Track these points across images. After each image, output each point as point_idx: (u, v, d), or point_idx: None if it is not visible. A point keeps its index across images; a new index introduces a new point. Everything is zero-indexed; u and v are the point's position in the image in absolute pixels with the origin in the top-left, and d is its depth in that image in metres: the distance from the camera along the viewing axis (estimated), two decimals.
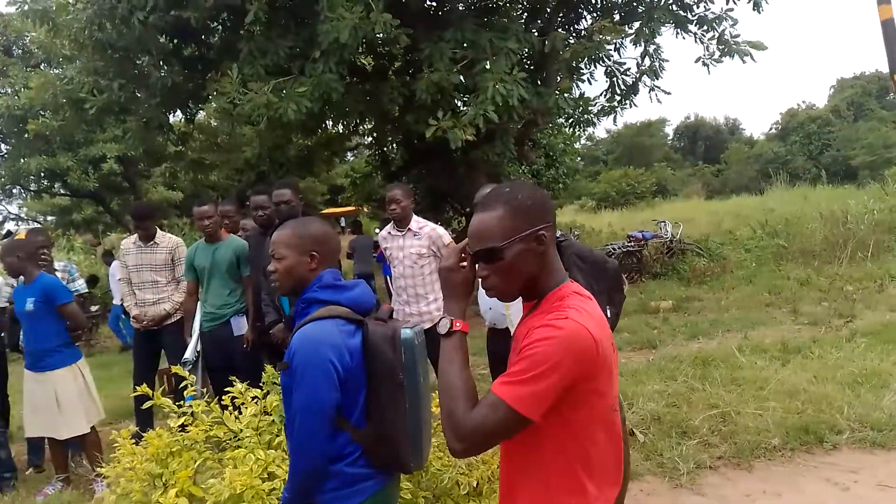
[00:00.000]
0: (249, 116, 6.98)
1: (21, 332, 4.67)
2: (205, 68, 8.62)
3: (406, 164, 12.63)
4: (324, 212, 28.48)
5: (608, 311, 3.58)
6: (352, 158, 23.59)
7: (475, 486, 3.34)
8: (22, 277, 4.55)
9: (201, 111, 11.63)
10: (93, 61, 8.20)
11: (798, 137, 38.25)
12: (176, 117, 10.91)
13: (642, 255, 12.23)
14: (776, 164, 34.76)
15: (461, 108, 7.51)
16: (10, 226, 23.35)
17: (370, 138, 13.68)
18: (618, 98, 9.28)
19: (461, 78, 6.94)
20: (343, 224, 30.48)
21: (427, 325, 4.53)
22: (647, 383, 5.72)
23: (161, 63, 8.41)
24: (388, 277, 8.84)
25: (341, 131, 11.84)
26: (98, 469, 4.13)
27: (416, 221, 4.71)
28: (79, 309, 4.77)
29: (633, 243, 12.33)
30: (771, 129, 46.64)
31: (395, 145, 13.13)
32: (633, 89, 9.15)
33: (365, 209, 21.22)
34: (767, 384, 5.33)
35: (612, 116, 9.69)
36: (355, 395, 2.03)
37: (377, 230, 19.00)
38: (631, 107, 9.49)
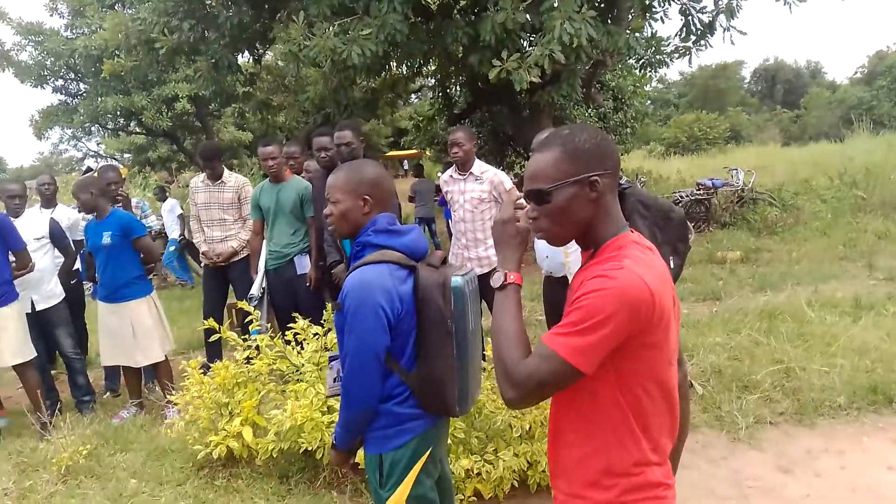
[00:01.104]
0: (315, 59, 6.97)
1: (96, 265, 4.90)
2: (272, 8, 8.61)
3: (469, 107, 12.44)
4: (387, 155, 28.60)
5: (671, 262, 3.48)
6: (416, 101, 23.43)
7: (528, 429, 3.38)
8: (95, 213, 4.75)
9: (268, 52, 11.69)
10: (163, 1, 8.30)
11: (886, 82, 35.67)
12: (244, 58, 11.01)
13: (711, 204, 11.81)
14: (860, 109, 32.54)
15: (527, 49, 7.28)
16: (89, 162, 24.41)
17: (434, 80, 13.51)
18: (692, 38, 8.80)
19: (527, 17, 6.70)
20: (406, 167, 30.53)
21: (485, 270, 4.54)
22: (710, 335, 5.60)
23: (229, 2, 8.44)
24: (450, 221, 8.88)
25: (405, 73, 11.71)
26: (169, 396, 4.39)
27: (479, 165, 4.66)
28: (151, 243, 4.98)
29: (702, 191, 11.90)
30: (856, 72, 43.83)
31: (458, 87, 12.92)
32: (708, 29, 8.66)
33: (428, 153, 21.15)
34: (836, 341, 5.14)
35: (685, 57, 9.23)
36: (405, 338, 2.06)
37: (439, 174, 18.98)
38: (706, 48, 9.00)
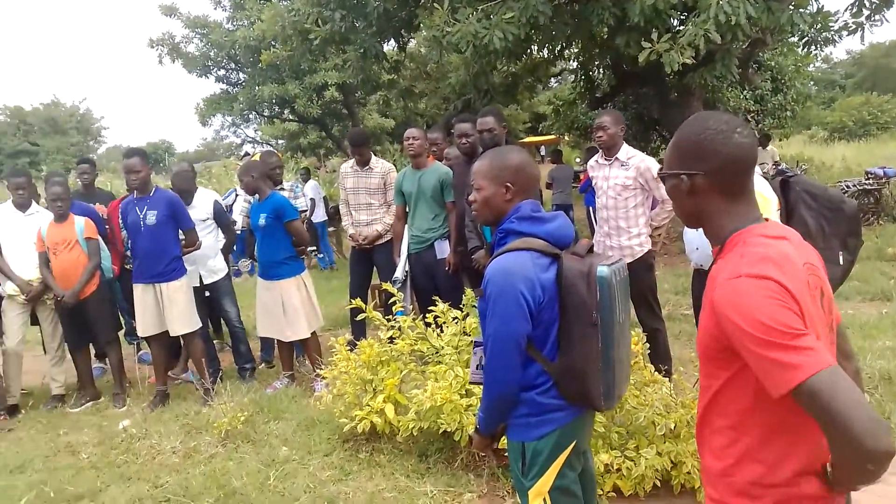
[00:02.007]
0: (457, 45, 7.02)
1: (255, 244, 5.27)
2: None
3: (613, 90, 12.04)
4: (524, 140, 28.41)
5: (841, 258, 3.19)
6: (555, 85, 23.04)
7: (672, 428, 3.24)
8: (257, 195, 5.09)
9: (412, 40, 11.93)
10: None
11: None
12: (389, 46, 11.32)
13: (882, 195, 10.70)
14: None
15: (677, 28, 6.91)
16: (247, 147, 26.26)
17: (576, 63, 13.20)
18: (865, 13, 7.93)
19: None
20: (543, 153, 30.17)
21: (629, 261, 4.39)
22: (878, 338, 5.09)
23: None
24: (591, 209, 8.67)
25: (546, 57, 11.53)
26: (318, 370, 4.64)
27: (626, 151, 4.50)
28: (303, 226, 5.27)
29: (871, 181, 10.80)
30: None
31: (602, 70, 12.54)
32: (886, 2, 7.77)
33: (566, 138, 20.76)
34: None
35: (856, 34, 8.34)
36: (548, 328, 2.02)
37: (577, 160, 18.60)
38: (881, 23, 8.07)
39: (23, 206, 5.26)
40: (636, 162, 4.40)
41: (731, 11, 5.89)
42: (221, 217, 5.68)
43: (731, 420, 1.48)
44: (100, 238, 5.23)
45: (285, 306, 5.04)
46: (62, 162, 30.50)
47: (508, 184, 2.13)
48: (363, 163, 5.59)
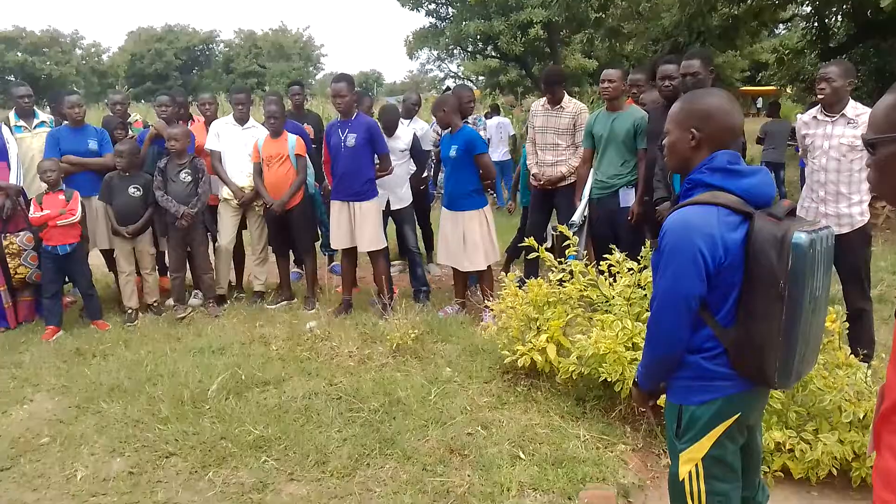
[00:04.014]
0: None
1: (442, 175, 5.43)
2: None
3: (850, 41, 10.61)
4: (740, 90, 26.08)
5: None
6: (782, 32, 20.74)
7: (861, 417, 2.92)
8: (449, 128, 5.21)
9: None
10: None
11: None
12: None
13: None
14: None
15: None
16: (449, 82, 26.85)
17: (809, 8, 11.77)
18: None
19: None
20: (759, 105, 27.54)
21: (844, 230, 3.93)
22: None
23: None
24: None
25: (776, 0, 10.41)
26: (487, 302, 4.75)
27: (854, 107, 3.96)
28: (490, 161, 5.31)
29: None
30: None
31: (839, 17, 11.06)
32: None
33: (788, 90, 18.73)
34: None
35: None
36: (726, 292, 1.87)
37: (798, 115, 16.72)
38: None
39: (241, 120, 5.82)
40: (867, 119, 3.85)
41: None
42: (417, 150, 5.94)
43: None
44: (307, 156, 5.67)
45: (465, 238, 5.17)
46: (283, 85, 33.29)
47: (694, 129, 1.96)
48: (555, 102, 5.47)
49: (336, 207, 5.39)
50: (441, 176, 6.43)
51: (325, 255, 6.81)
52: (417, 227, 6.34)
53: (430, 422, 3.57)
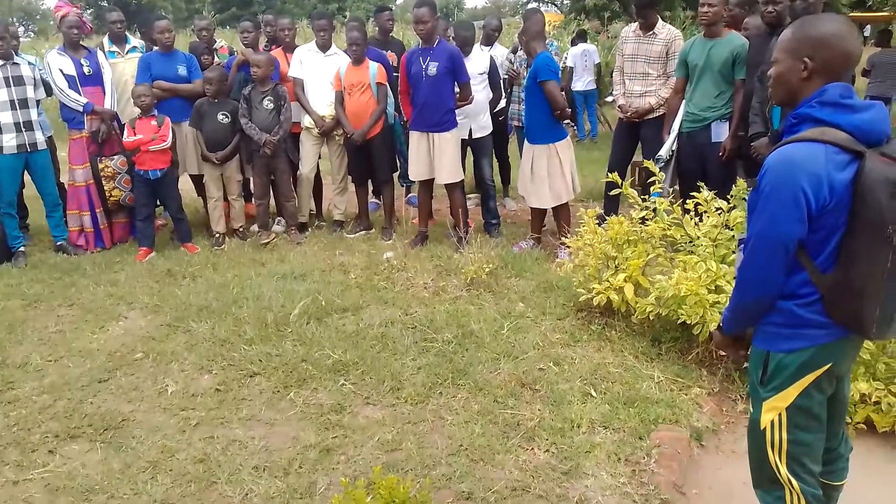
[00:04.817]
0: None
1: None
2: None
3: None
4: (849, 16, 23.96)
5: None
6: None
7: None
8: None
9: None
10: None
11: None
12: None
13: None
14: None
15: None
16: (532, 6, 25.84)
17: None
18: None
19: None
20: (867, 34, 25.25)
21: None
22: None
23: None
24: None
25: None
26: (563, 239, 4.67)
27: None
28: (556, 88, 4.99)
29: None
30: None
31: None
32: None
33: None
34: None
35: None
36: (828, 235, 1.75)
37: None
38: None
39: (324, 46, 5.78)
40: None
41: None
42: (494, 76, 5.77)
43: None
44: (388, 84, 5.61)
45: (534, 172, 5.06)
46: (364, 10, 32.89)
47: (807, 59, 1.79)
48: (647, 27, 5.17)
49: (415, 138, 5.35)
50: (513, 107, 6.27)
51: (402, 185, 6.83)
52: (494, 158, 6.24)
53: (502, 355, 3.60)
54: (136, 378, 3.54)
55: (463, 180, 5.50)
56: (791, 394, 1.89)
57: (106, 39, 5.90)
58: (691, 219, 3.70)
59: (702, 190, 3.75)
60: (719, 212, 3.62)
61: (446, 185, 5.40)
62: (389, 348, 3.74)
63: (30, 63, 5.45)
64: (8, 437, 3.04)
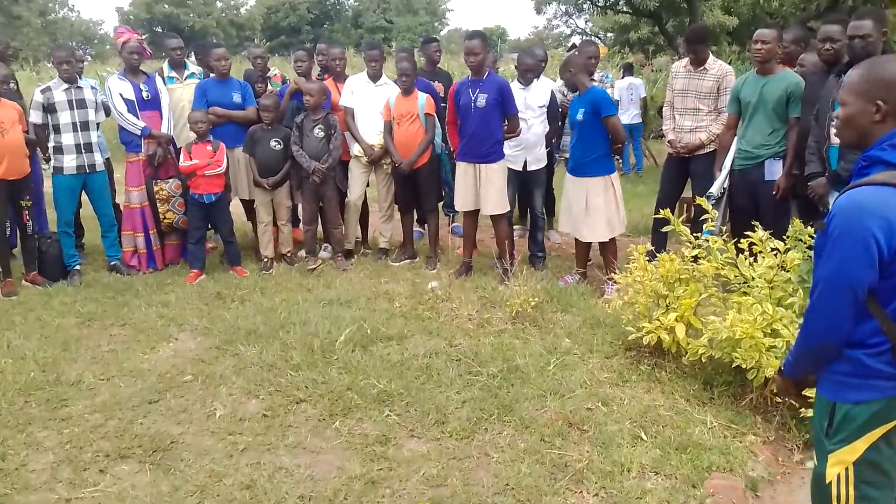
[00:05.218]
0: None
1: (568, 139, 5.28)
2: None
3: None
4: None
5: None
6: None
7: None
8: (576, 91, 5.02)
9: None
10: None
11: None
12: None
13: None
14: None
15: None
16: (574, 39, 25.96)
17: None
18: None
19: None
20: None
21: None
22: None
23: None
24: None
25: None
26: (610, 274, 4.61)
27: None
28: (619, 123, 5.04)
29: None
30: None
31: None
32: None
33: None
34: None
35: None
36: None
37: None
38: None
39: (375, 76, 5.87)
40: None
41: None
42: (553, 109, 5.80)
43: None
44: (436, 115, 5.67)
45: (589, 205, 5.01)
46: (409, 40, 33.47)
47: (880, 102, 1.77)
48: (698, 63, 5.14)
49: (462, 169, 5.37)
50: (564, 140, 6.25)
51: (446, 215, 6.86)
52: None
53: (549, 392, 3.55)
54: (185, 400, 3.59)
55: (508, 210, 5.50)
56: (859, 447, 1.82)
57: (165, 65, 6.10)
58: (745, 258, 3.63)
59: (756, 229, 3.68)
60: (775, 252, 3.54)
61: (492, 217, 5.40)
62: (434, 380, 3.72)
63: (92, 87, 5.67)
64: (61, 454, 3.10)
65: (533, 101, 5.55)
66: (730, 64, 16.35)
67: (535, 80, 5.69)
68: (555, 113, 5.83)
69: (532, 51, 5.99)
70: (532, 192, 5.85)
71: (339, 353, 4.02)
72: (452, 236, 6.62)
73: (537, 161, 5.75)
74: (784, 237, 3.60)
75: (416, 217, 6.19)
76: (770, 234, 3.66)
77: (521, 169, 5.67)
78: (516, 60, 5.91)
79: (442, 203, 6.41)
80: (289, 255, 5.94)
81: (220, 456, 3.08)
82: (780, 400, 3.28)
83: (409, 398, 3.52)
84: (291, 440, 3.20)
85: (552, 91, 5.80)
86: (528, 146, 5.63)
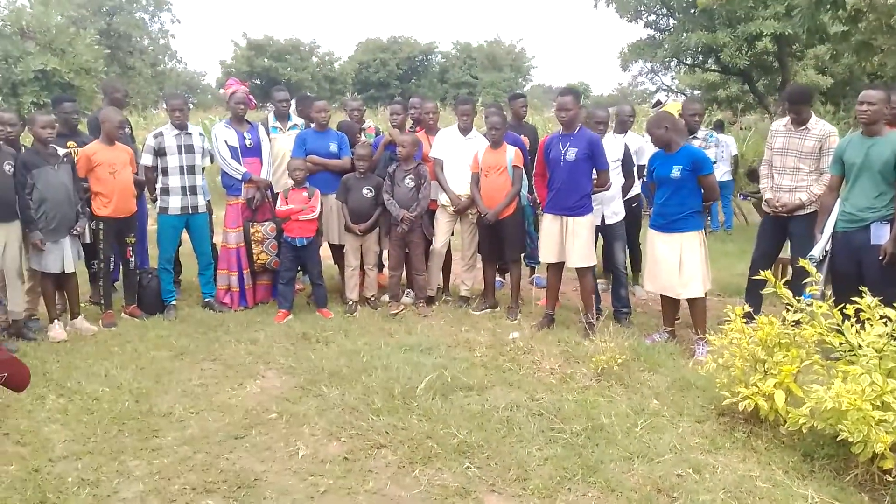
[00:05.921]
0: None
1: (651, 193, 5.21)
2: None
3: None
4: None
5: None
6: None
7: None
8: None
9: None
10: None
11: None
12: None
13: None
14: None
15: None
16: (659, 96, 25.75)
17: None
18: None
19: None
20: None
21: None
22: None
23: None
24: None
25: None
26: (702, 334, 4.44)
27: None
28: (716, 182, 4.96)
29: None
30: None
31: None
32: None
33: None
34: None
35: None
36: None
37: None
38: None
39: (465, 129, 5.99)
40: None
41: None
42: (627, 163, 5.78)
43: None
44: (523, 168, 5.72)
45: (683, 261, 4.87)
46: (494, 95, 34.03)
47: None
48: (800, 122, 5.00)
49: (548, 220, 5.36)
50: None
51: (528, 266, 6.83)
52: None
53: (636, 455, 3.41)
54: (269, 438, 3.65)
55: (595, 264, 5.43)
56: None
57: (271, 115, 6.44)
58: (852, 326, 3.43)
59: (864, 295, 3.48)
60: (885, 321, 3.33)
61: (578, 270, 5.33)
62: (515, 434, 3.65)
63: (199, 133, 6.04)
64: (150, 485, 3.19)
65: (606, 154, 5.50)
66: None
67: (607, 133, 5.70)
68: (629, 166, 5.79)
69: (602, 106, 5.99)
70: (612, 246, 5.77)
71: (419, 399, 4.01)
72: (534, 288, 6.57)
73: (614, 214, 5.73)
74: (893, 304, 3.38)
75: (497, 267, 6.20)
76: (880, 301, 3.45)
77: (599, 223, 5.62)
78: (587, 115, 5.92)
79: (524, 255, 6.39)
80: (373, 298, 6.04)
81: (301, 497, 3.09)
82: (890, 478, 3.03)
83: (490, 451, 3.45)
84: (371, 485, 3.19)
85: (626, 145, 5.78)
86: (605, 200, 5.60)
